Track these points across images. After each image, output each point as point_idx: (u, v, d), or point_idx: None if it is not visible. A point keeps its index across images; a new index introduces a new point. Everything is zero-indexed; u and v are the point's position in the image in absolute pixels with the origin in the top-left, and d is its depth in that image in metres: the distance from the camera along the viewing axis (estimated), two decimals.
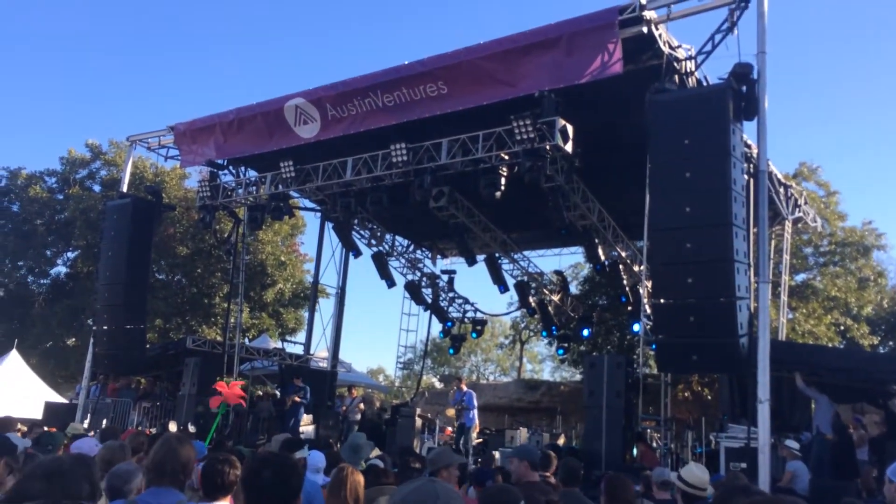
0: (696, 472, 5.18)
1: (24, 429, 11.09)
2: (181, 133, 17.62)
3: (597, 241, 17.40)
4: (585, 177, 15.76)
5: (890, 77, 73.07)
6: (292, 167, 15.85)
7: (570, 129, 12.59)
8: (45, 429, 11.32)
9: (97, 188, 31.75)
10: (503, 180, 13.51)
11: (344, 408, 19.16)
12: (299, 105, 15.32)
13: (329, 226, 21.27)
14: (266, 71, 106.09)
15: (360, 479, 4.56)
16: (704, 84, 12.25)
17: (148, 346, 20.06)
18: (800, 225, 18.60)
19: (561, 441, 18.05)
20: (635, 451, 13.88)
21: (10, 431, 7.37)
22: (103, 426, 13.62)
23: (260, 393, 23.30)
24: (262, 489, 2.78)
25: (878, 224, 26.94)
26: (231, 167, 18.34)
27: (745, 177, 11.34)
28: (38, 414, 17.77)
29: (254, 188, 17.65)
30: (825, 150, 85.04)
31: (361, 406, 19.20)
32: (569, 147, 12.68)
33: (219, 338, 23.44)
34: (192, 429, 13.96)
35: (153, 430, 14.73)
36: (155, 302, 27.28)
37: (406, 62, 13.97)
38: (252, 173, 18.38)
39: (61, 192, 31.87)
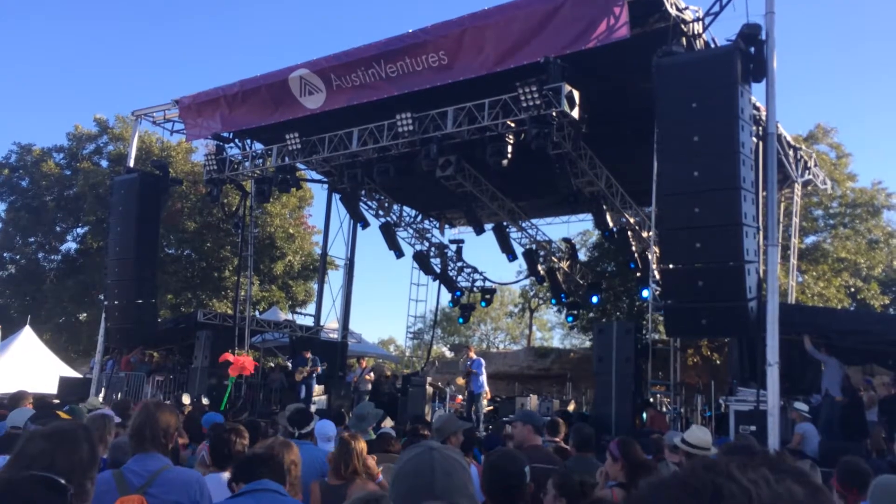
0: (698, 434, 5.23)
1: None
2: (186, 107, 17.57)
3: (605, 207, 17.32)
4: (593, 143, 15.64)
5: None
6: (298, 139, 15.80)
7: (576, 95, 12.47)
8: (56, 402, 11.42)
9: (105, 163, 31.79)
10: (510, 148, 13.43)
11: (354, 378, 19.31)
12: (304, 76, 15.23)
13: (336, 197, 21.27)
14: (270, 42, 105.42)
15: (363, 445, 4.60)
16: (712, 46, 12.09)
17: (159, 320, 20.22)
18: (809, 187, 18.47)
19: (571, 407, 18.19)
20: (644, 416, 13.96)
21: (23, 405, 7.45)
22: (116, 400, 13.76)
23: (272, 365, 23.48)
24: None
25: (887, 184, 26.65)
26: (237, 140, 18.30)
27: (754, 140, 11.25)
28: (52, 389, 17.98)
29: (260, 161, 17.62)
30: (838, 111, 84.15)
31: (370, 376, 19.32)
32: (575, 113, 12.57)
33: (229, 311, 23.58)
34: (205, 401, 14.11)
35: (167, 403, 14.90)
36: (165, 277, 27.45)
37: (410, 30, 13.86)
38: (258, 146, 18.33)
39: (69, 167, 31.94)
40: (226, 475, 3.37)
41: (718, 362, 22.67)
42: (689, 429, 5.56)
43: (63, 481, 1.95)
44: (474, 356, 17.04)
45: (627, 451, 4.72)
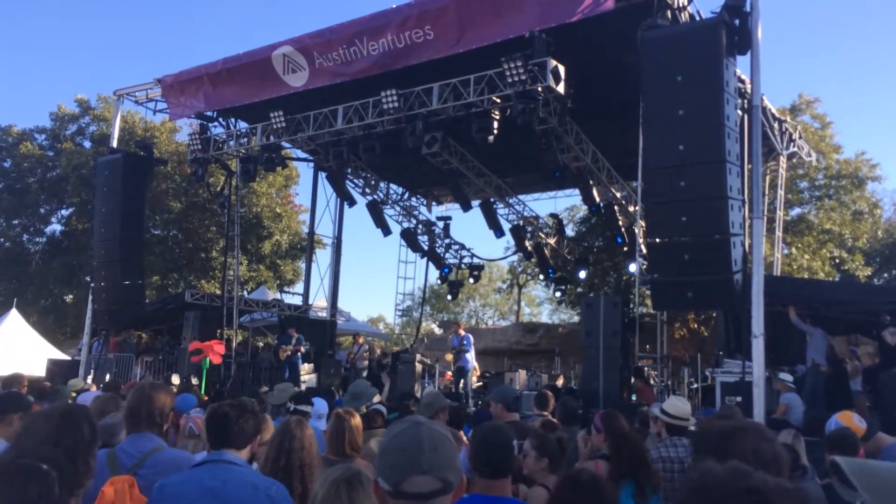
0: (677, 404, 5.30)
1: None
2: (169, 85, 17.39)
3: (591, 182, 17.35)
4: (579, 118, 15.62)
5: (886, 2, 71.91)
6: (283, 117, 15.69)
7: (562, 69, 12.43)
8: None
9: (88, 144, 31.47)
10: (496, 124, 13.40)
11: (351, 355, 19.38)
12: (287, 53, 15.09)
13: (322, 176, 21.19)
14: (253, 18, 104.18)
15: (358, 422, 4.64)
16: (697, 19, 12.07)
17: (147, 301, 20.15)
18: (794, 160, 18.55)
19: (560, 382, 18.30)
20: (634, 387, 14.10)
21: (19, 388, 7.45)
22: (106, 380, 13.76)
23: (261, 344, 23.50)
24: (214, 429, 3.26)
25: (871, 154, 26.86)
26: (221, 119, 18.16)
27: (739, 112, 11.26)
28: (41, 371, 17.93)
29: (245, 140, 17.51)
30: (820, 79, 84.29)
31: (365, 355, 19.39)
32: (561, 88, 12.54)
33: (217, 291, 23.53)
34: (194, 381, 14.11)
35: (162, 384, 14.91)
36: (151, 258, 27.31)
37: (394, 6, 13.74)
38: (242, 125, 18.21)
39: (52, 148, 31.60)
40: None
41: (706, 335, 22.88)
42: (667, 399, 5.63)
43: (46, 467, 1.97)
44: (463, 332, 17.12)
45: (610, 423, 4.79)
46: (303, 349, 18.15)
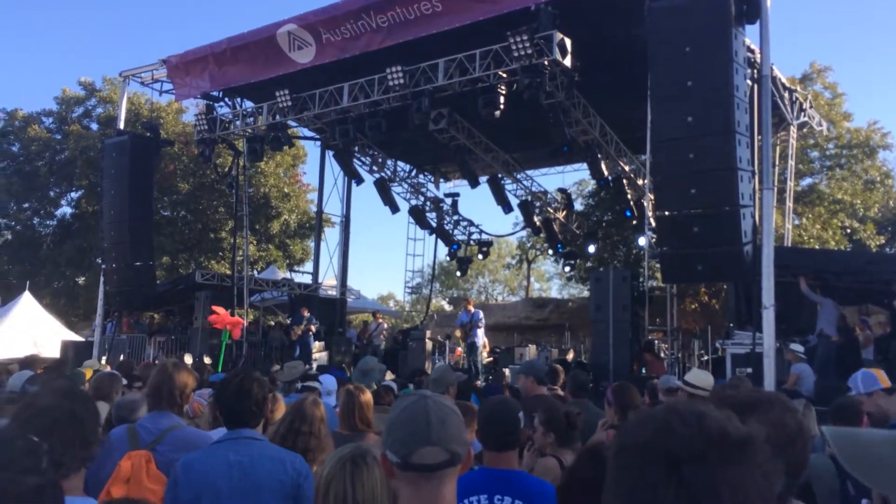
0: (700, 375, 5.33)
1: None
2: (174, 66, 17.35)
3: (600, 156, 17.26)
4: (586, 92, 15.51)
5: None
6: (288, 96, 15.64)
7: (568, 42, 12.32)
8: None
9: (94, 126, 31.50)
10: (502, 99, 13.33)
11: (368, 332, 19.54)
12: (292, 31, 15.02)
13: (329, 154, 21.15)
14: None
15: (368, 397, 4.68)
16: None
17: (158, 282, 20.27)
18: (805, 130, 18.37)
19: (570, 356, 18.38)
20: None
21: (35, 369, 7.54)
22: (120, 361, 13.90)
23: (271, 323, 23.65)
24: (227, 403, 3.22)
25: (883, 123, 26.63)
26: (227, 99, 18.13)
27: (749, 83, 11.17)
28: (55, 353, 18.12)
29: (251, 119, 17.50)
30: (833, 51, 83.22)
31: (384, 333, 19.57)
32: (568, 61, 12.45)
33: (227, 271, 23.63)
34: (207, 360, 14.23)
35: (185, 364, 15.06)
36: (161, 239, 27.42)
37: None
38: (248, 104, 18.17)
39: (59, 131, 31.65)
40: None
41: (716, 307, 22.86)
42: (690, 371, 5.66)
43: (37, 439, 1.98)
44: (473, 308, 17.15)
45: (621, 395, 4.82)
46: (314, 328, 18.27)
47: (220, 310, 12.85)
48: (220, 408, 3.34)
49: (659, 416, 1.09)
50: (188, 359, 13.68)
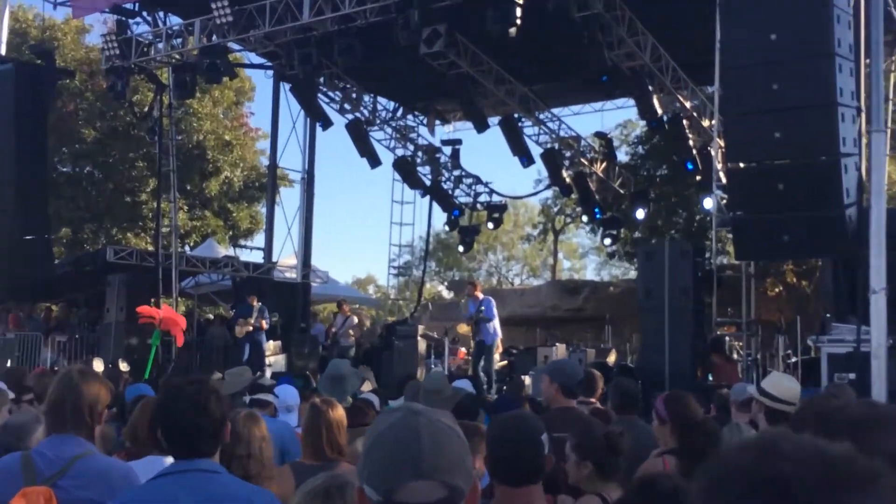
0: (782, 382, 5.30)
1: None
2: None
3: (651, 88, 17.17)
4: (634, 2, 15.43)
5: None
6: (228, 8, 15.52)
7: None
8: None
9: None
10: (518, 11, 13.23)
11: (333, 329, 19.47)
12: None
13: (286, 88, 21.03)
14: None
15: (342, 415, 4.69)
16: None
17: (56, 261, 20.25)
18: None
19: (611, 358, 18.43)
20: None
21: None
22: (7, 368, 13.93)
23: (210, 317, 23.67)
24: (177, 422, 3.11)
25: None
26: (145, 13, 18.02)
27: None
28: None
29: (178, 41, 17.40)
30: None
31: (355, 331, 19.51)
32: None
33: (149, 247, 23.60)
34: (123, 366, 14.26)
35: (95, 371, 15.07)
36: (59, 203, 27.36)
37: None
38: (175, 20, 18.05)
39: None
40: (169, 460, 3.42)
41: (807, 292, 22.88)
42: (769, 375, 5.65)
43: None
44: (481, 295, 17.16)
45: (676, 408, 4.81)
46: (266, 323, 18.26)
47: (151, 310, 12.85)
48: (163, 428, 3.30)
49: (765, 440, 1.12)
50: (98, 364, 13.70)
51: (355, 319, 20.00)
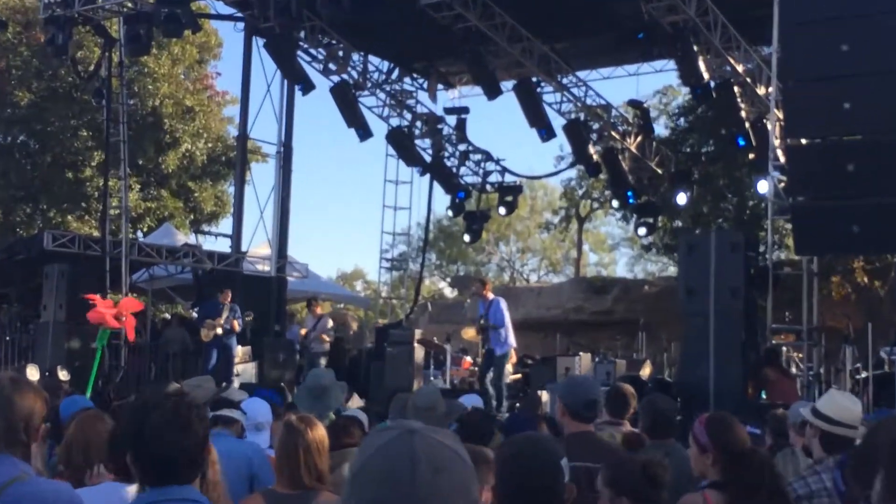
0: (840, 402, 5.29)
1: None
2: None
3: (696, 48, 17.16)
4: None
5: None
6: None
7: None
8: None
9: None
10: None
11: (303, 331, 19.45)
12: None
13: (259, 44, 20.99)
14: None
15: (322, 435, 4.69)
16: None
17: None
18: None
19: (645, 371, 18.42)
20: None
21: None
22: None
23: (167, 316, 23.70)
24: (153, 443, 3.04)
25: None
26: None
27: None
28: None
29: None
30: None
31: (327, 335, 19.47)
32: None
33: (95, 232, 23.61)
34: (63, 375, 14.30)
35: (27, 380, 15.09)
36: None
37: None
38: None
39: None
40: (132, 489, 3.41)
41: (880, 293, 22.89)
42: (826, 394, 5.64)
43: None
44: (491, 295, 17.15)
45: (720, 433, 4.80)
46: (238, 325, 18.24)
47: (98, 300, 12.75)
48: (135, 450, 3.26)
49: None
50: (33, 372, 13.74)
51: (329, 322, 19.95)
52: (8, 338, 19.42)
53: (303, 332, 19.25)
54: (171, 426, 3.04)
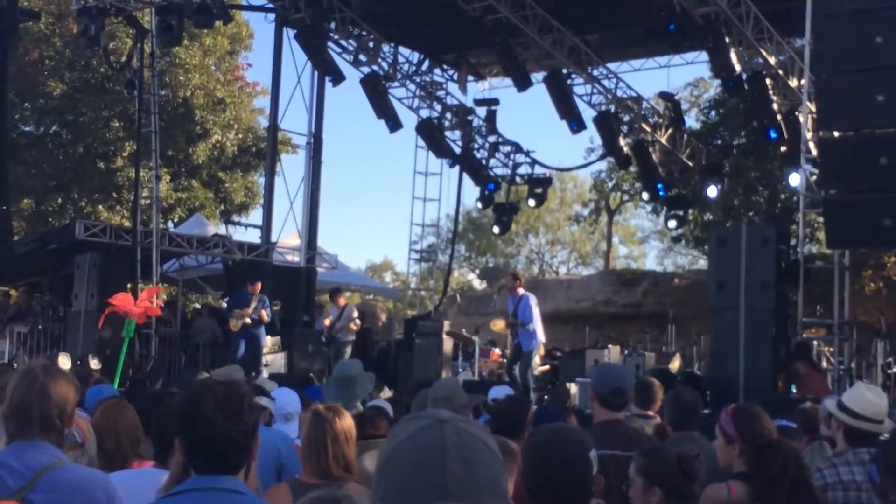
0: (865, 396, 5.26)
1: None
2: None
3: (728, 40, 17.07)
4: None
5: None
6: None
7: None
8: None
9: None
10: None
11: (326, 321, 19.46)
12: None
13: (290, 35, 21.02)
14: None
15: (350, 425, 4.69)
16: None
17: (15, 238, 20.38)
18: None
19: (675, 364, 18.37)
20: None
21: None
22: None
23: (197, 306, 23.79)
24: (204, 430, 3.01)
25: None
26: None
27: None
28: None
29: None
30: None
31: (354, 323, 19.48)
32: None
33: (126, 222, 23.72)
34: (94, 363, 14.38)
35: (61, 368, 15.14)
36: (20, 169, 27.54)
37: None
38: None
39: None
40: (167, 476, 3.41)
41: None
42: (852, 388, 5.61)
43: None
44: (521, 290, 17.08)
45: (746, 424, 4.78)
46: (267, 315, 18.27)
47: (121, 301, 12.81)
48: (185, 436, 3.24)
49: None
50: (64, 361, 13.82)
51: (354, 311, 19.96)
52: (40, 326, 19.50)
53: (326, 322, 19.27)
54: (223, 413, 3.03)
